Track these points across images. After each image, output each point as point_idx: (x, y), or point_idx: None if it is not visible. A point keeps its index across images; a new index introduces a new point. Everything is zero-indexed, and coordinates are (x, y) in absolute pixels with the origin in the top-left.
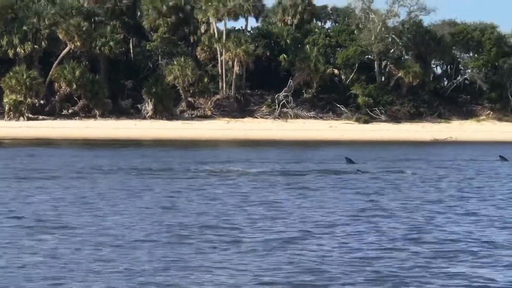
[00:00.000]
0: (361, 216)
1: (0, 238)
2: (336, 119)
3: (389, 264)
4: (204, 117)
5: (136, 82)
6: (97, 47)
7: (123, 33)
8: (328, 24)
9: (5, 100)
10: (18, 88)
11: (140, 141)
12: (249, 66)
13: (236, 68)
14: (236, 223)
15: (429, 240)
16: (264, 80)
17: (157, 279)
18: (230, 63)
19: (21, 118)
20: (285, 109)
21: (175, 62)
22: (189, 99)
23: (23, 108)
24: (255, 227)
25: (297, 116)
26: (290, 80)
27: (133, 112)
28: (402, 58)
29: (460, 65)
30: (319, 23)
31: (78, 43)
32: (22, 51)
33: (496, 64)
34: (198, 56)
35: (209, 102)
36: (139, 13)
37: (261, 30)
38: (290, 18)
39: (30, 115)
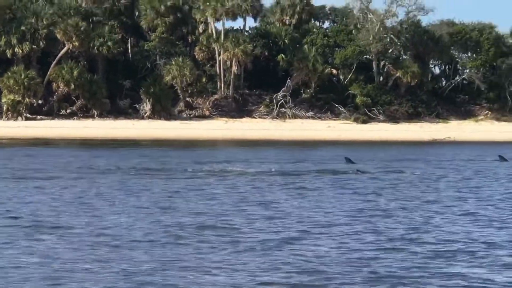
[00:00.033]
0: (359, 216)
1: None
2: (334, 119)
3: (387, 264)
4: (202, 117)
5: (134, 82)
6: (95, 47)
7: (121, 33)
8: (326, 24)
9: (3, 100)
10: (16, 88)
11: (138, 141)
12: (247, 66)
13: (234, 68)
14: (234, 223)
15: (428, 240)
16: (262, 80)
17: (155, 279)
18: (228, 63)
19: (19, 118)
20: (283, 109)
21: (173, 62)
22: (187, 99)
23: (21, 108)
24: (253, 227)
25: (295, 116)
26: (288, 80)
27: (131, 112)
28: (400, 58)
29: (458, 65)
30: (317, 23)
31: (76, 43)
32: (20, 51)
33: (494, 64)
34: (196, 56)
35: (207, 102)
36: (137, 13)
37: (259, 30)
38: (288, 18)
39: (28, 115)
